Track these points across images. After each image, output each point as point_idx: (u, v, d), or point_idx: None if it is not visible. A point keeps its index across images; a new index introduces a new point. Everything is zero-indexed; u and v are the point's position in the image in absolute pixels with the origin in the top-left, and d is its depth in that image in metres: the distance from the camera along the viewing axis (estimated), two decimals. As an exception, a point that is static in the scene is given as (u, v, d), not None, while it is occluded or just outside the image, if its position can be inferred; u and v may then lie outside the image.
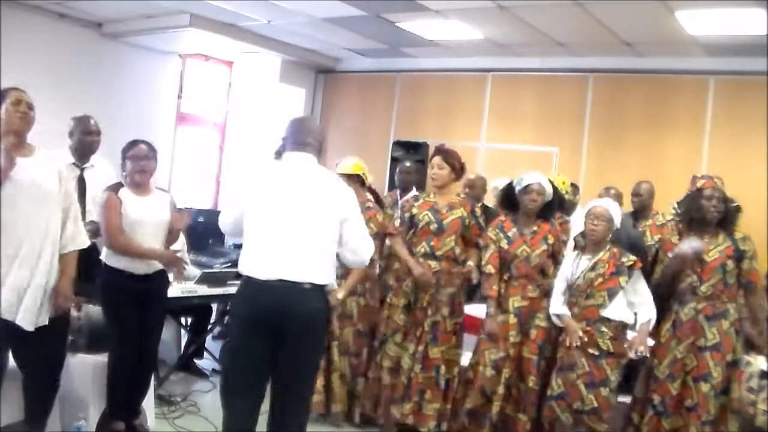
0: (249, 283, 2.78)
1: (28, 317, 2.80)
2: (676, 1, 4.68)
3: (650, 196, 5.02)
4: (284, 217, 2.77)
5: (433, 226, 3.98)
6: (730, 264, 3.48)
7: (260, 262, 2.75)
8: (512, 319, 3.78)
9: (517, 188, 3.87)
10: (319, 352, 2.97)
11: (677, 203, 4.05)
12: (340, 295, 3.74)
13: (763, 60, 5.35)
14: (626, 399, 3.79)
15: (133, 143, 3.47)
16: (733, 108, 5.88)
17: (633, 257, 3.55)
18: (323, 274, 2.80)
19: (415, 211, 4.08)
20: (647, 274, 3.76)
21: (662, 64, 6.15)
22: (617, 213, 3.64)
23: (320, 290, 2.80)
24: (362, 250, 2.94)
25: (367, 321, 4.20)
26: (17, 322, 2.78)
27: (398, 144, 7.45)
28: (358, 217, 2.94)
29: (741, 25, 4.97)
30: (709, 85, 6.04)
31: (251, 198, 2.83)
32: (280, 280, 2.71)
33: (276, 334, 2.73)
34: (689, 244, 3.51)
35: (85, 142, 4.01)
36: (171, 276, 3.69)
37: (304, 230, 2.76)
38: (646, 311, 3.53)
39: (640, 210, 5.07)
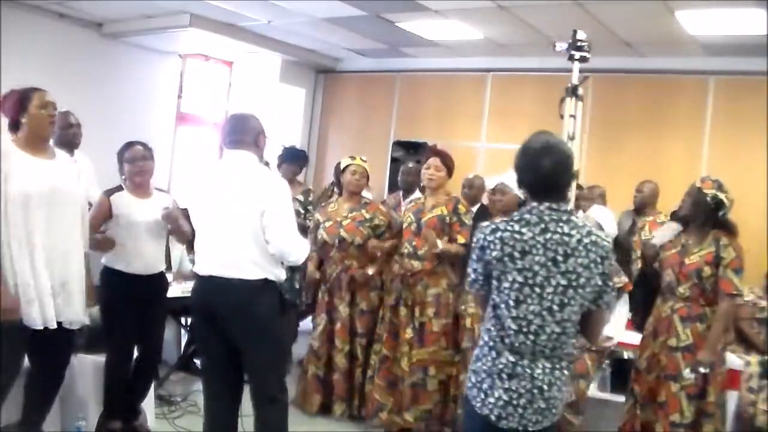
0: (195, 278, 2.95)
1: (77, 318, 2.86)
2: (676, 1, 4.68)
3: (652, 194, 5.04)
4: (214, 214, 2.86)
5: (413, 226, 4.02)
6: (708, 270, 3.41)
7: (199, 259, 2.91)
8: None
9: None
10: (268, 349, 2.89)
11: None
12: (371, 271, 4.13)
13: (763, 60, 5.34)
14: (622, 398, 3.78)
15: (129, 145, 3.46)
16: (733, 108, 5.87)
17: (625, 279, 3.55)
18: (256, 270, 2.79)
19: (403, 213, 4.17)
20: (643, 270, 3.78)
21: (662, 64, 6.15)
22: (609, 221, 3.61)
23: (255, 285, 2.79)
24: (280, 244, 2.81)
25: (365, 324, 4.22)
26: (64, 322, 2.80)
27: (398, 144, 7.46)
28: (279, 210, 2.82)
29: (741, 25, 4.97)
30: (709, 85, 6.03)
31: (193, 198, 2.97)
32: (213, 276, 2.82)
33: (222, 330, 2.84)
34: (663, 232, 3.50)
35: (67, 136, 4.06)
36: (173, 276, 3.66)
37: (231, 226, 2.81)
38: (608, 329, 3.51)
39: (641, 207, 5.11)
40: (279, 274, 2.89)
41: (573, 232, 2.10)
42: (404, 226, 4.08)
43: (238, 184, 2.84)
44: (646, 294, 3.66)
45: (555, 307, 2.09)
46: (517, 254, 2.09)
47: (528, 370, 2.11)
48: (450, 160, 4.06)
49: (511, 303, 2.10)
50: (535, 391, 2.10)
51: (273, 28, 6.69)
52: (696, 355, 3.41)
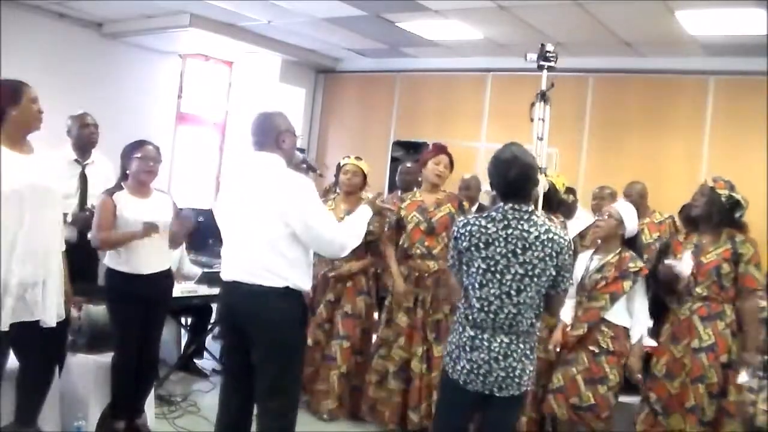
0: (221, 283, 2.91)
1: (51, 313, 2.80)
2: (676, 1, 4.68)
3: (641, 196, 4.99)
4: (236, 219, 2.78)
5: (423, 226, 3.99)
6: (726, 267, 3.41)
7: (224, 264, 2.85)
8: None
9: None
10: (279, 361, 2.71)
11: None
12: (354, 267, 4.10)
13: (763, 60, 5.35)
14: (634, 399, 3.74)
15: (140, 143, 3.44)
16: (733, 108, 5.88)
17: (640, 263, 3.49)
18: (272, 277, 2.67)
19: (403, 213, 4.08)
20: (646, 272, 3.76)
21: (662, 64, 6.15)
22: (631, 216, 3.57)
23: (273, 292, 2.67)
24: (319, 245, 2.78)
25: (370, 320, 4.21)
26: (39, 318, 2.76)
27: (398, 144, 7.47)
28: (304, 215, 2.67)
29: (741, 25, 4.97)
30: (709, 85, 6.04)
31: (219, 201, 2.91)
32: (236, 282, 2.73)
33: (243, 336, 2.75)
34: (682, 263, 3.48)
35: (83, 136, 4.10)
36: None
37: (250, 232, 2.71)
38: (638, 328, 3.49)
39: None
40: (300, 283, 2.73)
41: (532, 229, 2.49)
42: (411, 227, 4.02)
43: (257, 190, 2.73)
44: (655, 300, 3.63)
45: (512, 292, 2.49)
46: (482, 245, 2.50)
47: (486, 343, 2.52)
48: (452, 159, 4.12)
49: (476, 285, 2.52)
50: (492, 362, 2.51)
51: (273, 28, 6.70)
52: (716, 354, 3.38)
